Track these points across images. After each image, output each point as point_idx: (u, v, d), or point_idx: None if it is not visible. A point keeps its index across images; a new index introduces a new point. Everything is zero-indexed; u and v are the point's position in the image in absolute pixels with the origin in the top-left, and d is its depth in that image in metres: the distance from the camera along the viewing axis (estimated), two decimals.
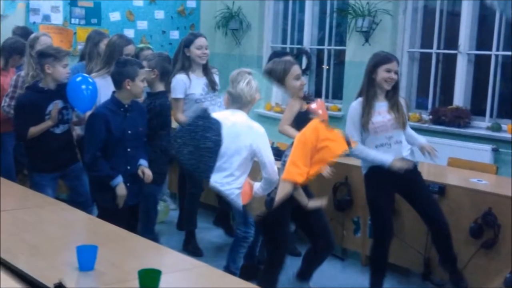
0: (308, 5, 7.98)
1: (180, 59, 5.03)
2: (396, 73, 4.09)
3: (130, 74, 4.01)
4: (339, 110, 7.39)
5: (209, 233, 5.56)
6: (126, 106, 4.07)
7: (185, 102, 4.99)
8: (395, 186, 4.18)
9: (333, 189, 4.96)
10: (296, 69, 3.75)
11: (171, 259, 2.94)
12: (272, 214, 3.77)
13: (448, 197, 4.36)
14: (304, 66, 7.80)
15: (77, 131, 4.84)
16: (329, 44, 7.84)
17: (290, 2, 8.27)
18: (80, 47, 7.33)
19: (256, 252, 4.62)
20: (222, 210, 5.35)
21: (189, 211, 5.23)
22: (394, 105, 4.12)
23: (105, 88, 4.44)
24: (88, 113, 4.33)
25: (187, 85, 4.96)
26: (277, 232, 3.83)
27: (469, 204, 4.25)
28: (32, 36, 5.21)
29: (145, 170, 4.13)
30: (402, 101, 4.21)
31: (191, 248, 5.11)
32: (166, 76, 4.77)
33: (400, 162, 4.07)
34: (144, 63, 4.48)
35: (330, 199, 4.79)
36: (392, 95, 4.13)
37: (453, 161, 5.19)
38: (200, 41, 5.02)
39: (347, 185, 4.91)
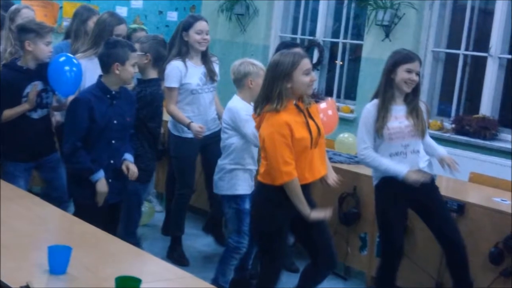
0: None
1: (177, 44, 5.03)
2: (417, 74, 4.08)
3: (120, 57, 4.00)
4: (352, 111, 7.39)
5: (197, 241, 5.56)
6: (114, 92, 4.07)
7: (179, 92, 4.99)
8: (409, 201, 4.18)
9: (339, 200, 4.96)
10: (306, 63, 3.73)
11: (153, 267, 2.94)
12: (269, 223, 3.77)
13: (467, 216, 4.36)
14: (315, 60, 7.81)
15: (57, 117, 4.84)
16: (345, 37, 7.84)
17: None
18: (66, 23, 7.34)
19: (249, 264, 4.62)
20: (214, 215, 5.35)
21: (177, 214, 5.23)
22: (413, 110, 4.12)
23: (91, 71, 4.44)
24: (71, 97, 4.32)
25: (183, 74, 4.95)
26: (273, 243, 3.83)
27: (490, 225, 4.25)
28: (13, 8, 5.20)
29: (130, 166, 4.12)
30: (422, 106, 4.21)
31: (176, 256, 5.11)
32: (160, 62, 4.76)
33: (416, 174, 4.07)
34: (137, 45, 4.47)
35: (335, 211, 4.79)
36: (411, 98, 4.13)
37: (475, 177, 5.19)
38: (201, 25, 5.01)
39: (355, 196, 4.91)
